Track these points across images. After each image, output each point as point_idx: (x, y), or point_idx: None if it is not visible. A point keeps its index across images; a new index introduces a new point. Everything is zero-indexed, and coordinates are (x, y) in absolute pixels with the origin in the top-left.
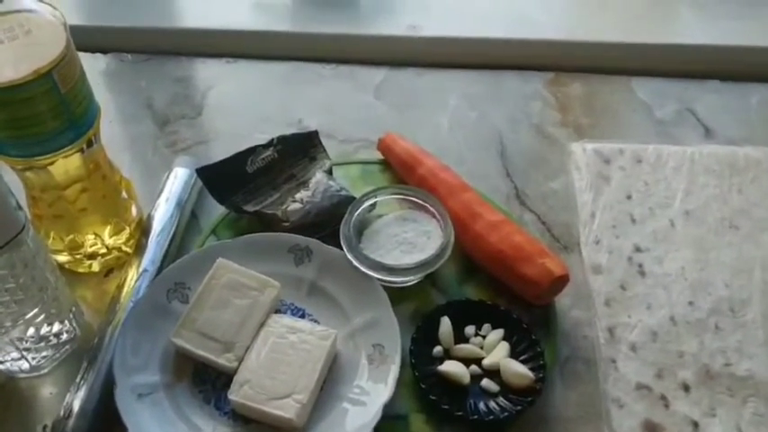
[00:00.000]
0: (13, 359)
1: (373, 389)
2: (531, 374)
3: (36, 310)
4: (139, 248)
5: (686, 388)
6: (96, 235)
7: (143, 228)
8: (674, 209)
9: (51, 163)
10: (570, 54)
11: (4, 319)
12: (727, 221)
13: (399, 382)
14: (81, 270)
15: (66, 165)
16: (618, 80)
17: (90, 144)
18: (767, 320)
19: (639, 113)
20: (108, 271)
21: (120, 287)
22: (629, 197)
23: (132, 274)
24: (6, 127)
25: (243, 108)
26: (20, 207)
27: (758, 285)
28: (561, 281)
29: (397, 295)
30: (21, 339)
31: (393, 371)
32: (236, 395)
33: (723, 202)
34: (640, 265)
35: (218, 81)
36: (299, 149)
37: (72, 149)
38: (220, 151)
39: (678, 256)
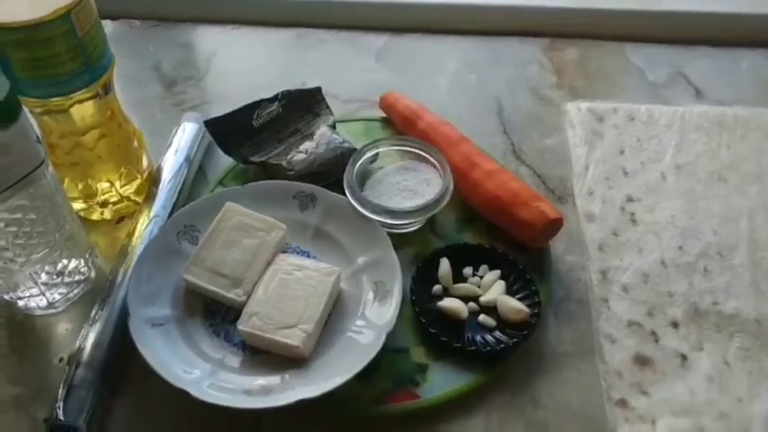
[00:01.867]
0: (31, 295)
1: (376, 320)
2: (526, 309)
3: (54, 245)
4: (149, 197)
5: (675, 325)
6: (110, 183)
7: (153, 178)
8: (665, 163)
9: (69, 106)
10: (566, 20)
11: (24, 251)
12: (716, 174)
13: (401, 318)
14: (94, 218)
15: (82, 111)
16: (612, 46)
17: (106, 91)
18: (754, 264)
19: (633, 77)
20: (119, 219)
21: (130, 234)
22: (621, 152)
23: (143, 220)
24: (26, 67)
25: (248, 71)
26: (39, 141)
27: (745, 233)
28: (555, 224)
29: (398, 241)
30: (38, 273)
31: (394, 303)
32: (245, 325)
33: (712, 156)
34: (632, 214)
35: (224, 46)
36: (303, 105)
37: (88, 93)
38: (227, 110)
39: (669, 206)
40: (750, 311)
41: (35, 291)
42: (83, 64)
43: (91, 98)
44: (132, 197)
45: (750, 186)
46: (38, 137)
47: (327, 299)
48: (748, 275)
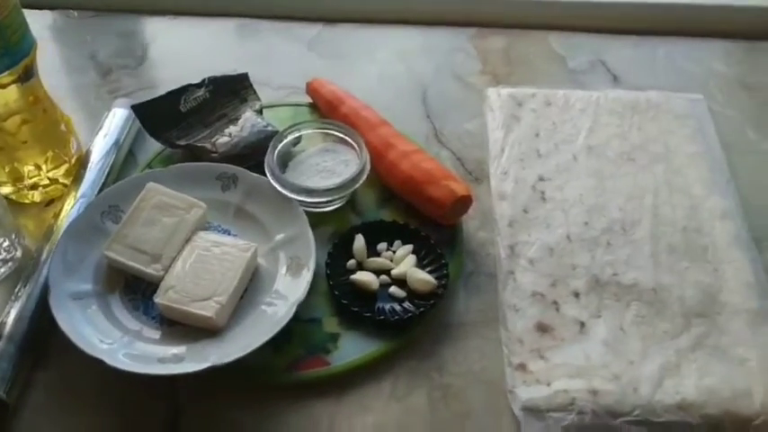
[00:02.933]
0: None
1: (289, 292)
2: (433, 280)
3: None
4: (77, 180)
5: (576, 295)
6: (36, 166)
7: (82, 162)
8: (577, 144)
9: None
10: (493, 10)
11: None
12: (626, 155)
13: (315, 292)
14: (26, 201)
15: (5, 95)
16: (537, 35)
17: (28, 76)
18: (654, 238)
19: (554, 64)
20: (49, 201)
21: (56, 215)
22: (537, 135)
23: (70, 202)
24: None
25: (183, 60)
26: None
27: (649, 209)
28: (464, 201)
29: (319, 219)
30: None
31: (306, 275)
32: (161, 298)
33: (623, 138)
34: (543, 192)
35: (161, 36)
36: (231, 91)
37: (9, 77)
38: None
39: (578, 185)
40: (648, 281)
41: None
42: (1, 48)
43: (12, 82)
44: (61, 180)
45: (657, 165)
46: None
47: (243, 273)
48: (648, 248)
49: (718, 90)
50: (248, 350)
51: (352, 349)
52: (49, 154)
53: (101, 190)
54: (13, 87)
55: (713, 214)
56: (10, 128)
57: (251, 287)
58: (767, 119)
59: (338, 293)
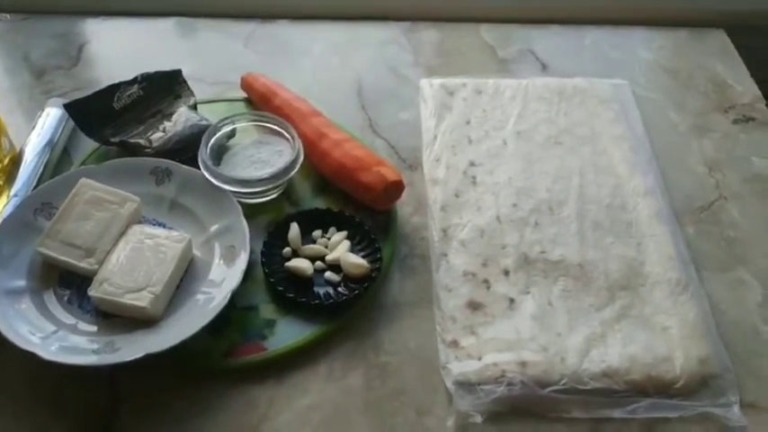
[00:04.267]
0: None
1: (223, 281)
2: (366, 263)
3: None
4: (11, 179)
5: (506, 273)
6: None
7: (15, 162)
8: (506, 130)
9: None
10: (426, 4)
11: None
12: (553, 139)
13: (252, 280)
14: None
15: None
16: (468, 27)
17: None
18: (580, 216)
19: (485, 54)
20: None
21: None
22: (468, 122)
23: (3, 201)
24: None
25: (119, 60)
26: None
27: (575, 189)
28: (396, 186)
29: (255, 210)
30: None
31: (240, 263)
32: (95, 291)
33: (551, 123)
34: (474, 177)
35: (95, 36)
36: (165, 88)
37: None
38: None
39: (507, 168)
40: (574, 257)
41: None
42: None
43: None
44: None
45: (583, 147)
46: None
47: (177, 263)
48: (575, 226)
49: (641, 75)
50: (183, 338)
51: (288, 334)
52: None
53: (35, 189)
54: None
55: (636, 192)
56: None
57: (187, 278)
58: (687, 101)
59: (274, 281)
